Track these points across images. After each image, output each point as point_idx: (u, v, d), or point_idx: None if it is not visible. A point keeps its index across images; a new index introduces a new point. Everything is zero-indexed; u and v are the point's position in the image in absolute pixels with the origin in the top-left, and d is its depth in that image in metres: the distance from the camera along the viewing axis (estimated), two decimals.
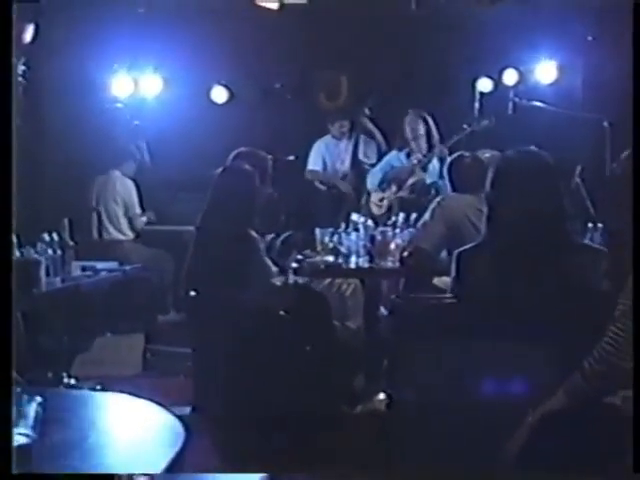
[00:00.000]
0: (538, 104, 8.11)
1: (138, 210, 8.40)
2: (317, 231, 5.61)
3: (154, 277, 7.40)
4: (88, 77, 8.58)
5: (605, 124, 7.63)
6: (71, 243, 5.82)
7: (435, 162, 7.73)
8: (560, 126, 8.05)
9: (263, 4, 7.54)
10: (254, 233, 5.18)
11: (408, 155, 7.96)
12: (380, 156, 8.50)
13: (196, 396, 5.40)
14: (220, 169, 5.42)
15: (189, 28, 8.51)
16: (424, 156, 7.81)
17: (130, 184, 8.46)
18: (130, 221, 8.36)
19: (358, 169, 8.73)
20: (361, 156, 8.73)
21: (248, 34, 8.62)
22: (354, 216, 5.74)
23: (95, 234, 8.19)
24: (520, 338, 3.38)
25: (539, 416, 3.03)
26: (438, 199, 5.54)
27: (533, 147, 3.94)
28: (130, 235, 8.31)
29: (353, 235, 5.41)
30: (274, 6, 7.51)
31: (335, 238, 5.52)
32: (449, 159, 5.96)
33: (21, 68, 6.94)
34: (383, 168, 8.05)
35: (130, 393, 2.83)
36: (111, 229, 8.26)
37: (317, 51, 9.03)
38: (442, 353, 3.50)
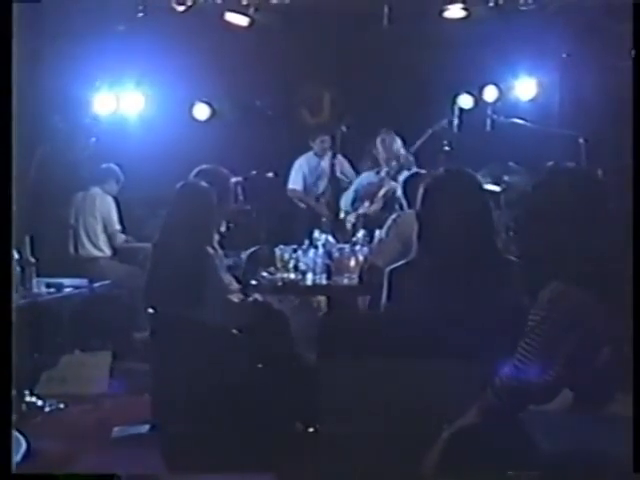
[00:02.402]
0: (516, 120, 8.12)
1: (118, 227, 8.39)
2: (276, 249, 5.60)
3: (126, 294, 7.37)
4: (70, 94, 8.61)
5: (580, 140, 7.63)
6: (32, 260, 5.81)
7: (404, 171, 7.76)
8: (537, 142, 8.06)
9: (232, 21, 7.52)
10: (211, 250, 5.16)
11: (377, 173, 7.98)
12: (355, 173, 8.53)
13: (154, 414, 5.37)
14: (179, 185, 5.40)
15: (171, 45, 8.53)
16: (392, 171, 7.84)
17: (110, 201, 8.46)
18: (110, 238, 8.36)
19: (336, 187, 8.72)
20: (339, 174, 8.74)
21: (230, 51, 8.65)
22: (315, 233, 5.73)
23: (71, 250, 8.18)
24: (449, 354, 3.39)
25: (453, 431, 3.02)
26: (393, 216, 5.53)
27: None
28: (107, 252, 8.30)
29: (311, 252, 5.41)
30: (244, 23, 7.51)
31: (295, 255, 5.51)
32: (402, 178, 5.96)
33: None
34: (355, 189, 8.08)
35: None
36: (87, 245, 8.26)
37: (299, 67, 9.07)
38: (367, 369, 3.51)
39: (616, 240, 3.02)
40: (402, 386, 3.51)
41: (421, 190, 3.69)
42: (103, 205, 8.41)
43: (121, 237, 8.37)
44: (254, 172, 8.75)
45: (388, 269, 3.73)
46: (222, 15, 7.56)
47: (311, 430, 4.63)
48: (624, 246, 2.96)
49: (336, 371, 3.58)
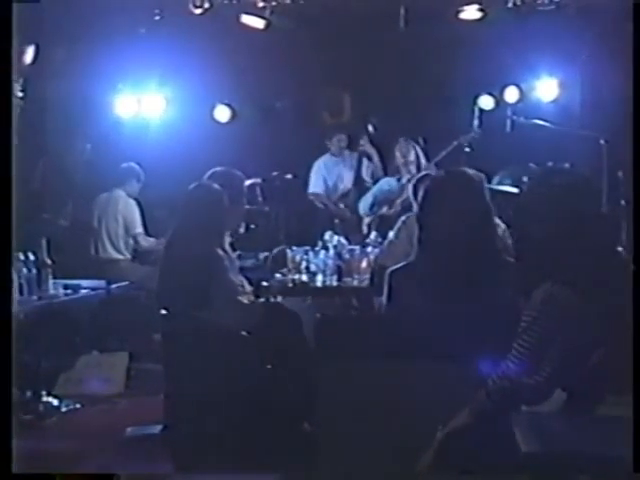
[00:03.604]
0: (536, 122, 8.06)
1: (139, 230, 8.43)
2: (288, 250, 5.61)
3: (145, 295, 7.40)
4: (92, 96, 8.69)
5: (602, 142, 7.56)
6: (49, 262, 5.87)
7: None
8: (558, 144, 8.01)
9: (248, 23, 7.55)
10: (220, 252, 5.18)
11: (398, 180, 7.98)
12: (377, 178, 8.52)
13: (167, 415, 5.41)
14: (190, 186, 5.43)
15: (192, 48, 8.57)
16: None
17: (133, 204, 8.51)
18: (135, 240, 8.39)
19: (360, 188, 8.69)
20: (364, 175, 8.72)
21: (250, 53, 8.67)
22: (326, 235, 5.74)
23: (93, 252, 8.25)
24: (447, 355, 3.39)
25: (446, 432, 3.02)
26: (403, 218, 5.53)
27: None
28: (127, 255, 8.35)
29: (321, 254, 5.41)
30: (260, 25, 7.53)
31: (306, 257, 5.52)
32: (414, 179, 5.95)
33: (19, 90, 7.08)
34: (374, 193, 8.07)
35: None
36: (109, 247, 8.31)
37: (317, 69, 9.08)
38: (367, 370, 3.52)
39: (609, 242, 3.01)
40: (400, 387, 3.53)
41: (422, 192, 3.69)
42: (126, 208, 8.46)
43: (147, 240, 8.38)
44: (275, 174, 8.77)
45: (388, 270, 3.74)
46: (238, 17, 7.57)
47: (316, 431, 4.64)
48: (618, 248, 2.95)
49: (335, 373, 3.59)
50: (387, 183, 8.10)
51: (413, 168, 7.94)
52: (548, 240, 2.95)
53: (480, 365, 3.19)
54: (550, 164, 3.18)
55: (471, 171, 5.00)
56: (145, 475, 4.78)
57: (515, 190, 7.08)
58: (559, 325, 2.89)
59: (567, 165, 3.25)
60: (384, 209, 7.81)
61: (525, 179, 7.40)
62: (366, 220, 7.95)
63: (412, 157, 7.97)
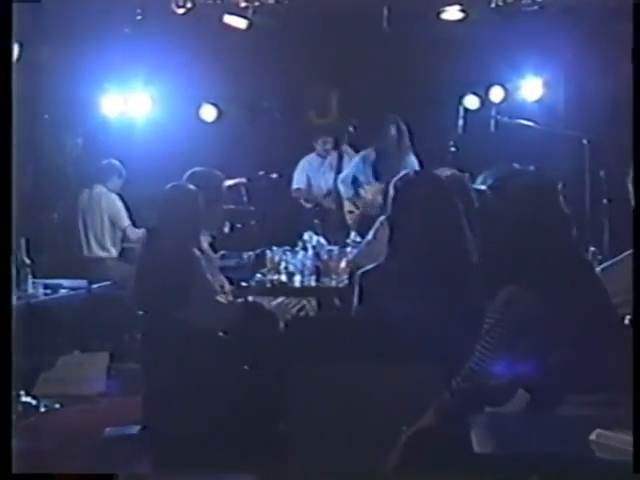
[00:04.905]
0: (520, 121, 8.07)
1: (127, 222, 8.38)
2: (267, 251, 5.61)
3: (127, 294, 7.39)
4: (78, 95, 8.68)
5: (584, 141, 7.57)
6: (27, 261, 5.87)
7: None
8: (541, 143, 8.02)
9: (231, 23, 7.54)
10: (197, 252, 5.18)
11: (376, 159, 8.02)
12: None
13: (145, 415, 5.40)
14: (167, 187, 5.43)
15: (177, 47, 8.57)
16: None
17: (115, 198, 8.44)
18: (124, 234, 8.36)
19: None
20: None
21: (236, 52, 8.67)
22: (305, 235, 5.73)
23: (77, 250, 8.23)
24: (415, 356, 3.40)
25: (411, 433, 3.02)
26: (381, 218, 5.51)
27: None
28: (113, 252, 8.34)
29: (300, 254, 5.41)
30: (242, 25, 7.53)
31: (284, 257, 5.52)
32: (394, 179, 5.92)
33: None
34: (352, 168, 8.09)
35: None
36: (94, 245, 8.29)
37: (303, 69, 9.09)
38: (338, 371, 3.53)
39: (572, 243, 3.02)
40: (370, 387, 3.54)
41: (391, 193, 3.69)
42: (109, 205, 8.41)
43: (135, 231, 8.32)
44: (261, 173, 8.78)
45: (359, 272, 3.74)
46: (221, 18, 7.56)
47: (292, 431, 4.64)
48: (580, 250, 2.95)
49: (303, 374, 3.60)
50: (362, 159, 8.11)
51: (392, 145, 7.98)
52: (511, 242, 2.95)
53: (446, 365, 3.20)
54: (515, 166, 3.14)
55: (448, 171, 5.03)
56: (144, 475, 4.78)
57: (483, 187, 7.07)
58: (522, 326, 2.89)
59: (531, 167, 3.25)
60: (365, 187, 7.80)
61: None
62: (347, 206, 7.94)
63: (393, 131, 8.00)
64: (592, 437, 2.40)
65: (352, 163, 8.31)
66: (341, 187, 8.20)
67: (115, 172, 8.54)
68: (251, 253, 6.59)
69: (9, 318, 3.14)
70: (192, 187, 5.29)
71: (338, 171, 8.66)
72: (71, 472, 4.89)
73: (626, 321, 3.20)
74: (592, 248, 5.19)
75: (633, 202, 3.48)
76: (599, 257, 5.84)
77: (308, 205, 8.91)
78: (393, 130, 8.08)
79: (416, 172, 3.77)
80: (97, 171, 8.51)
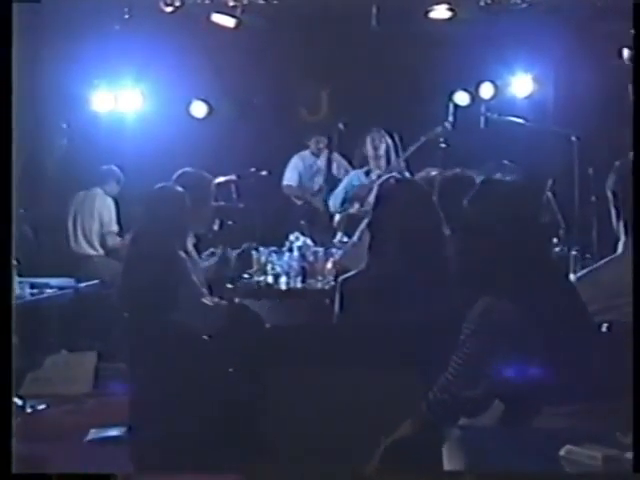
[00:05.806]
0: (510, 118, 8.06)
1: (114, 228, 8.45)
2: (253, 252, 5.60)
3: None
4: (68, 92, 8.67)
5: (573, 138, 7.57)
6: (14, 262, 5.85)
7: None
8: (531, 140, 8.03)
9: (219, 22, 7.53)
10: (182, 254, 5.17)
11: (367, 173, 7.95)
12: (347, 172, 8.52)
13: (131, 416, 5.40)
14: (154, 188, 5.41)
15: (167, 44, 8.55)
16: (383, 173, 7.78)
17: (110, 202, 8.54)
18: (103, 238, 8.41)
19: (332, 184, 8.69)
20: (335, 171, 8.72)
21: (227, 50, 8.66)
22: (292, 236, 5.72)
23: (66, 247, 8.25)
24: (395, 365, 3.40)
25: (388, 443, 3.03)
26: (367, 220, 5.50)
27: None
28: (100, 251, 8.36)
29: (286, 255, 5.41)
30: (230, 24, 7.51)
31: (270, 258, 5.51)
32: (378, 181, 5.92)
33: None
34: (345, 187, 8.05)
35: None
36: (83, 243, 8.32)
37: (294, 67, 9.07)
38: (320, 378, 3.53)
39: (547, 255, 3.02)
40: (350, 396, 3.54)
41: (372, 198, 3.69)
42: (102, 205, 8.50)
43: (115, 239, 8.40)
44: (252, 170, 8.76)
45: (340, 279, 3.74)
46: (209, 16, 7.54)
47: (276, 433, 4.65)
48: (555, 260, 2.96)
49: (287, 376, 3.60)
50: (357, 178, 8.07)
51: (383, 162, 7.91)
52: (486, 253, 2.95)
53: (426, 374, 3.20)
54: (493, 176, 3.14)
55: (434, 172, 5.02)
56: (143, 475, 4.79)
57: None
58: (497, 338, 2.89)
59: (508, 178, 3.22)
60: (356, 206, 7.79)
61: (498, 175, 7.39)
62: (337, 217, 7.93)
63: (382, 151, 7.92)
64: (562, 453, 2.40)
65: (343, 182, 8.26)
66: (330, 204, 8.18)
67: (114, 178, 8.66)
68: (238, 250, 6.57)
69: (9, 319, 3.14)
70: (180, 189, 5.27)
71: (326, 178, 8.63)
72: (56, 473, 4.91)
73: (603, 329, 3.20)
74: (574, 252, 5.18)
75: (613, 209, 3.46)
76: (587, 256, 5.87)
77: (299, 202, 8.90)
78: (383, 146, 8.01)
79: (397, 179, 3.75)
80: (96, 175, 8.60)
